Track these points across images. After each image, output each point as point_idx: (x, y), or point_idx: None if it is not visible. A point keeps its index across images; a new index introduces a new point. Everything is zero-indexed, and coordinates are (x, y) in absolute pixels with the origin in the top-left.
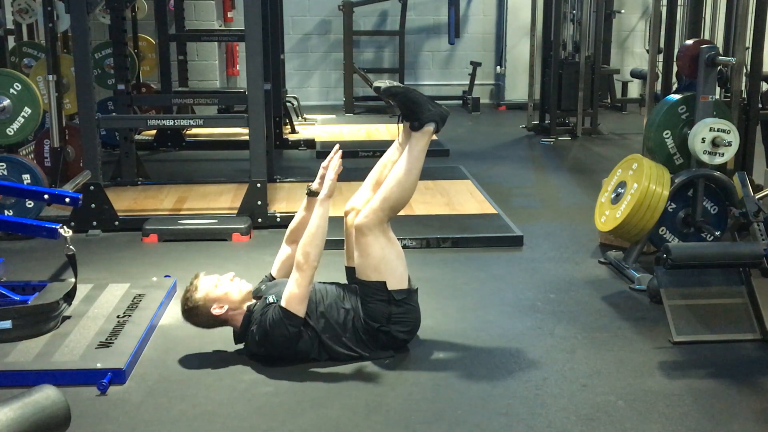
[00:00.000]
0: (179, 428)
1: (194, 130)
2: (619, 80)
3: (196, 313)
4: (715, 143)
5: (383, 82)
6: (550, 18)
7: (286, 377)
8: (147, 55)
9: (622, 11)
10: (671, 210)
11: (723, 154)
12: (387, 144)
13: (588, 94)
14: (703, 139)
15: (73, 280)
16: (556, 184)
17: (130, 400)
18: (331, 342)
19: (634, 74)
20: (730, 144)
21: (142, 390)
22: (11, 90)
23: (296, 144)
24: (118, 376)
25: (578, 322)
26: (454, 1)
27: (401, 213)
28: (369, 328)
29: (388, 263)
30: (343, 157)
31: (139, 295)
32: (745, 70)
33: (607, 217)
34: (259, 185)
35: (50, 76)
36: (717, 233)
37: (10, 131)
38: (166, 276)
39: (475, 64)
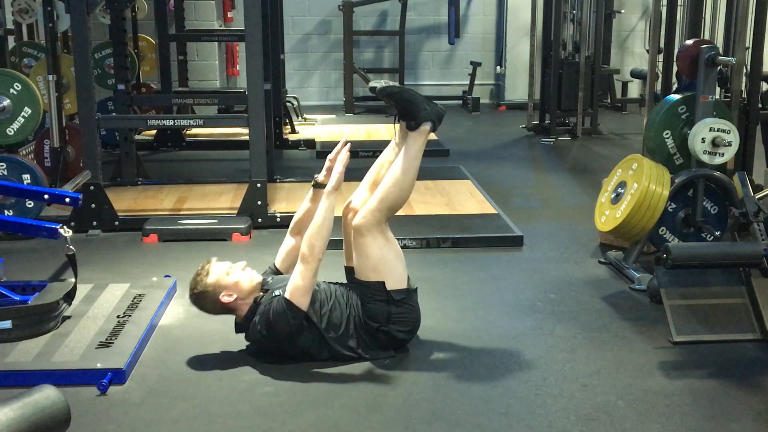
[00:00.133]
0: (179, 428)
1: (194, 130)
2: (619, 80)
3: (204, 298)
4: (715, 143)
5: (379, 82)
6: (550, 18)
7: (286, 377)
8: (147, 55)
9: (622, 11)
10: (671, 210)
11: (723, 154)
12: (387, 144)
13: (588, 94)
14: (703, 139)
15: (73, 280)
16: (556, 184)
17: (130, 400)
18: (333, 341)
19: (634, 74)
20: (730, 144)
21: (142, 390)
22: (11, 90)
23: (296, 144)
24: (118, 376)
25: (578, 322)
26: (454, 1)
27: (401, 213)
28: (369, 328)
29: (387, 263)
30: None
31: (139, 295)
32: (745, 70)
33: (607, 217)
34: (259, 185)
35: (50, 76)
36: (717, 233)
37: (10, 131)
38: (166, 276)
39: (475, 64)
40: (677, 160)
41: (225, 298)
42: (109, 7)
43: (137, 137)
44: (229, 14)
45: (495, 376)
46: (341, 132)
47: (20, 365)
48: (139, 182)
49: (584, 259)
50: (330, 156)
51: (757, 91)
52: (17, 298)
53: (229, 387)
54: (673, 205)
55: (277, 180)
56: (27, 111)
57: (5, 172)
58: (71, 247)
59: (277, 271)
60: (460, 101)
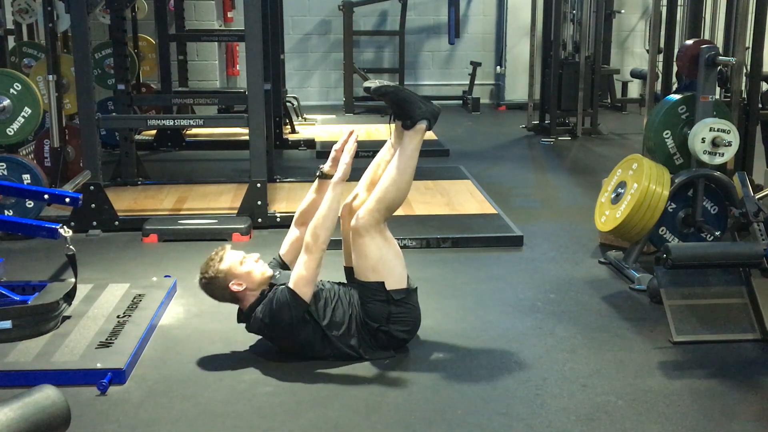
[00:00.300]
0: (179, 428)
1: (194, 130)
2: (619, 80)
3: (214, 284)
4: (715, 143)
5: (373, 82)
6: (550, 18)
7: (286, 377)
8: (147, 55)
9: (622, 11)
10: (671, 210)
11: (723, 154)
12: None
13: (588, 94)
14: (703, 139)
15: (73, 280)
16: (556, 184)
17: (130, 400)
18: (336, 339)
19: (634, 74)
20: (730, 144)
21: (142, 390)
22: (11, 90)
23: (296, 144)
24: (118, 376)
25: (578, 322)
26: (454, 1)
27: (401, 213)
28: (369, 328)
29: (386, 263)
30: None
31: (139, 295)
32: (745, 70)
33: (607, 217)
34: (259, 185)
35: (50, 76)
36: (717, 233)
37: (10, 131)
38: (166, 276)
39: (475, 64)
40: (677, 160)
41: (234, 287)
42: (109, 7)
43: (137, 137)
44: (229, 14)
45: (495, 376)
46: (341, 132)
47: (20, 365)
48: (139, 182)
49: (584, 259)
50: (336, 146)
51: (757, 91)
52: (17, 298)
53: (229, 387)
54: (673, 205)
55: (277, 180)
56: (27, 111)
57: (5, 172)
58: (71, 247)
59: (282, 263)
60: (460, 101)
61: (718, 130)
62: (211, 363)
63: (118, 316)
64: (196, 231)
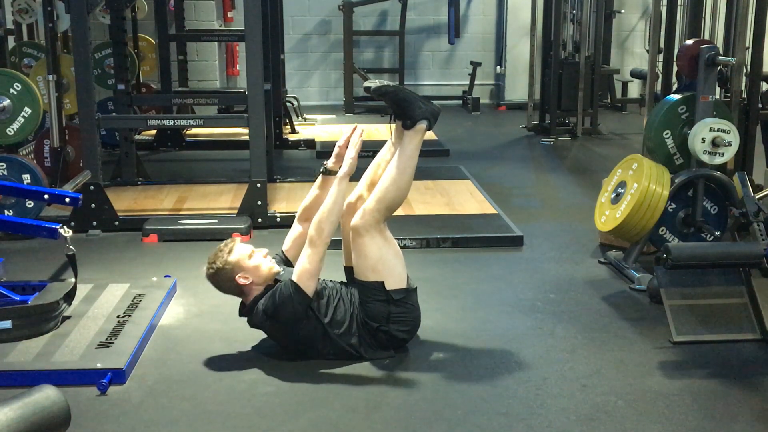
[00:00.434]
0: (179, 428)
1: (194, 130)
2: (619, 80)
3: (221, 275)
4: (715, 143)
5: (373, 82)
6: (550, 18)
7: (286, 377)
8: (147, 55)
9: (622, 11)
10: (671, 210)
11: (723, 154)
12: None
13: (588, 94)
14: (703, 139)
15: (73, 280)
16: (556, 184)
17: (130, 400)
18: (337, 337)
19: (634, 74)
20: (730, 144)
21: (142, 390)
22: (11, 90)
23: (296, 144)
24: (118, 376)
25: (578, 322)
26: (454, 1)
27: (401, 213)
28: (369, 327)
29: (386, 263)
30: None
31: (139, 295)
32: (745, 70)
33: (607, 217)
34: (259, 185)
35: (50, 76)
36: (717, 233)
37: (10, 131)
38: (166, 276)
39: (475, 64)
40: (677, 160)
41: (241, 280)
42: (109, 7)
43: (137, 137)
44: (229, 14)
45: (495, 376)
46: (341, 132)
47: (20, 365)
48: (139, 182)
49: (584, 259)
50: (339, 143)
51: (757, 91)
52: (17, 298)
53: (229, 387)
54: (673, 205)
55: (277, 180)
56: (27, 111)
57: (5, 172)
58: (71, 247)
59: (285, 259)
60: (460, 101)
61: (718, 130)
62: (211, 363)
63: (118, 316)
64: (196, 231)
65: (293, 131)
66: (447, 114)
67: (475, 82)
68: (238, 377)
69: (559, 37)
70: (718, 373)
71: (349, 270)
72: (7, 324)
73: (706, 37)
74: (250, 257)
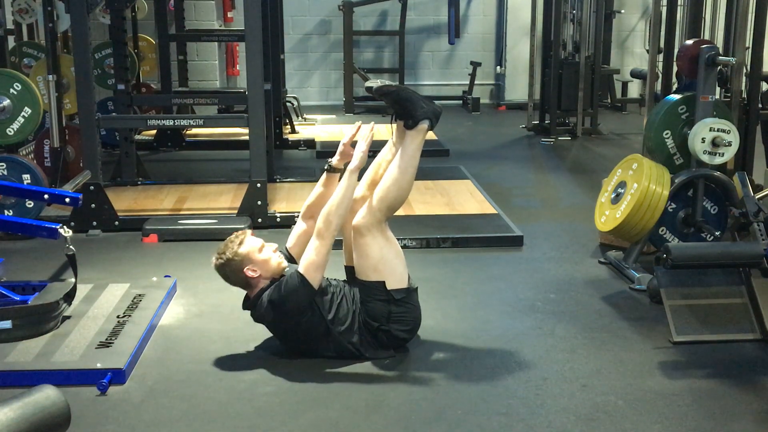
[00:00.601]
0: (179, 428)
1: (194, 130)
2: (619, 80)
3: (230, 265)
4: (715, 143)
5: (375, 82)
6: (550, 18)
7: (286, 377)
8: (147, 55)
9: (622, 11)
10: (671, 210)
11: (723, 154)
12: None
13: (588, 94)
14: (703, 139)
15: (73, 280)
16: (556, 184)
17: (130, 400)
18: (339, 335)
19: (634, 74)
20: (730, 144)
21: (142, 390)
22: (11, 90)
23: (296, 144)
24: (118, 376)
25: (578, 322)
26: (454, 1)
27: (401, 213)
28: (369, 327)
29: (387, 263)
30: None
31: (139, 295)
32: (745, 70)
33: (607, 217)
34: (259, 185)
35: (50, 76)
36: (717, 233)
37: (10, 131)
38: (166, 276)
39: (475, 64)
40: (677, 160)
41: (249, 272)
42: (109, 7)
43: (137, 137)
44: (229, 14)
45: (495, 376)
46: (341, 132)
47: (20, 365)
48: (139, 182)
49: (584, 259)
50: (344, 140)
51: (757, 91)
52: (17, 298)
53: (229, 387)
54: (673, 205)
55: (277, 180)
56: (27, 111)
57: (5, 172)
58: (71, 247)
59: (289, 256)
60: (460, 101)
61: (718, 130)
62: (211, 363)
63: (118, 316)
64: (196, 231)
65: (293, 131)
66: (447, 114)
67: (475, 82)
68: (238, 377)
69: (559, 37)
70: (718, 373)
71: (350, 269)
72: (7, 324)
73: (706, 37)
74: (260, 250)
